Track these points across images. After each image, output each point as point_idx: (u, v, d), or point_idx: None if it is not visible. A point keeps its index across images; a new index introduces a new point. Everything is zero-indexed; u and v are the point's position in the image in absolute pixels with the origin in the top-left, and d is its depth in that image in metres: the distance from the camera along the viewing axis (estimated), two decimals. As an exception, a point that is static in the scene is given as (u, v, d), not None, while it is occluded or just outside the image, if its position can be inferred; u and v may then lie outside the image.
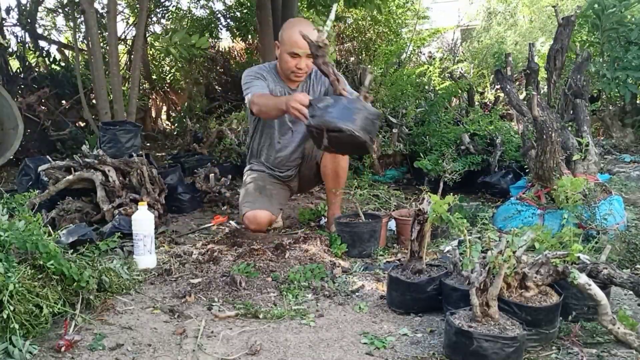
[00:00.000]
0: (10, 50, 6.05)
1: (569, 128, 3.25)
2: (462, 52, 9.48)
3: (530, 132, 3.16)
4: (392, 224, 2.82)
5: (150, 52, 7.98)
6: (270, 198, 2.87)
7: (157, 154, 5.78)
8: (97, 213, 3.04)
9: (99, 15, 5.71)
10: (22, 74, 5.88)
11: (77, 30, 5.57)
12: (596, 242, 2.19)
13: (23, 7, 6.26)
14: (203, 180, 3.71)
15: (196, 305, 2.02)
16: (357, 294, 2.13)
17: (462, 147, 3.93)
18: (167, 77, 8.25)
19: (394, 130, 4.33)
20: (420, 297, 1.91)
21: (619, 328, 1.58)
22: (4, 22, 6.23)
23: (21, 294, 1.67)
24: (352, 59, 7.69)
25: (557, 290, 1.72)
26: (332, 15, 2.26)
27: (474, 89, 6.00)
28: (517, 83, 6.04)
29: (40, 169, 3.16)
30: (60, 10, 6.97)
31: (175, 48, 5.14)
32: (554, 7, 4.55)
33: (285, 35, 2.72)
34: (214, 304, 2.02)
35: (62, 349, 1.64)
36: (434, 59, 7.61)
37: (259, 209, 2.77)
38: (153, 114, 7.85)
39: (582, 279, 1.58)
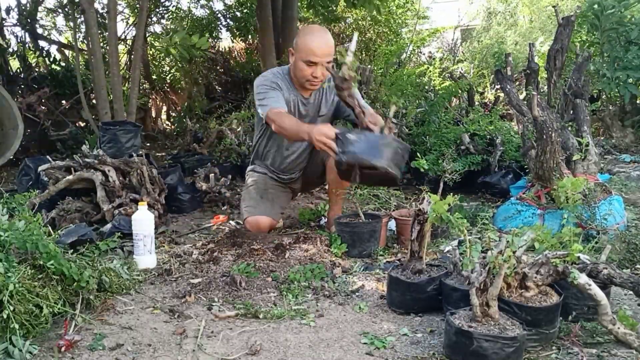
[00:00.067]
0: (10, 50, 6.05)
1: (569, 128, 3.25)
2: (462, 52, 9.49)
3: (530, 132, 3.16)
4: (392, 224, 2.82)
5: (150, 52, 7.99)
6: (272, 203, 2.87)
7: (157, 154, 5.79)
8: (97, 213, 3.04)
9: (99, 15, 5.71)
10: (22, 74, 5.89)
11: (77, 30, 5.57)
12: (596, 242, 2.19)
13: (23, 7, 6.27)
14: (203, 180, 3.72)
15: (196, 305, 2.02)
16: (357, 294, 2.13)
17: (462, 147, 3.93)
18: (167, 77, 8.26)
19: (394, 130, 4.31)
20: (420, 297, 1.91)
21: (619, 328, 1.58)
22: (4, 22, 6.23)
23: (21, 294, 1.67)
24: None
25: (557, 290, 1.72)
26: (352, 47, 2.18)
27: (474, 89, 6.00)
28: (517, 83, 6.04)
29: (40, 169, 3.16)
30: (60, 10, 6.98)
31: (175, 48, 5.14)
32: (554, 7, 4.55)
33: (301, 43, 2.62)
34: (214, 304, 2.02)
35: (62, 349, 1.64)
36: (434, 59, 7.62)
37: (260, 214, 2.78)
38: (153, 114, 7.85)
39: (582, 279, 1.58)
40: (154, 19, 8.08)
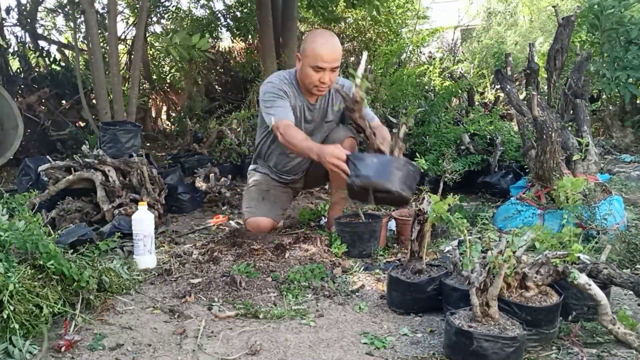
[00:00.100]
0: (10, 50, 6.05)
1: (569, 128, 3.25)
2: (462, 52, 9.49)
3: (530, 132, 3.16)
4: (392, 224, 2.82)
5: (150, 52, 7.99)
6: (272, 204, 2.86)
7: (157, 154, 5.79)
8: (97, 213, 3.04)
9: (99, 15, 5.71)
10: (22, 74, 5.89)
11: (77, 30, 5.57)
12: (596, 242, 2.19)
13: (23, 7, 6.27)
14: (203, 180, 3.72)
15: (196, 305, 2.02)
16: (357, 294, 2.13)
17: (462, 147, 3.93)
18: (167, 77, 8.26)
19: (394, 130, 4.31)
20: (420, 297, 1.91)
21: (619, 328, 1.58)
22: (4, 22, 6.24)
23: (21, 294, 1.67)
24: (352, 59, 7.70)
25: (557, 290, 1.72)
26: (362, 67, 2.14)
27: (474, 89, 6.00)
28: (517, 83, 6.04)
29: (40, 169, 3.16)
30: (60, 10, 6.98)
31: (175, 49, 5.14)
32: (554, 7, 4.56)
33: (309, 48, 2.58)
34: (214, 304, 2.02)
35: (62, 349, 1.64)
36: (434, 59, 7.62)
37: (261, 215, 2.78)
38: (153, 114, 7.86)
39: (582, 279, 1.58)
40: (154, 19, 8.08)
